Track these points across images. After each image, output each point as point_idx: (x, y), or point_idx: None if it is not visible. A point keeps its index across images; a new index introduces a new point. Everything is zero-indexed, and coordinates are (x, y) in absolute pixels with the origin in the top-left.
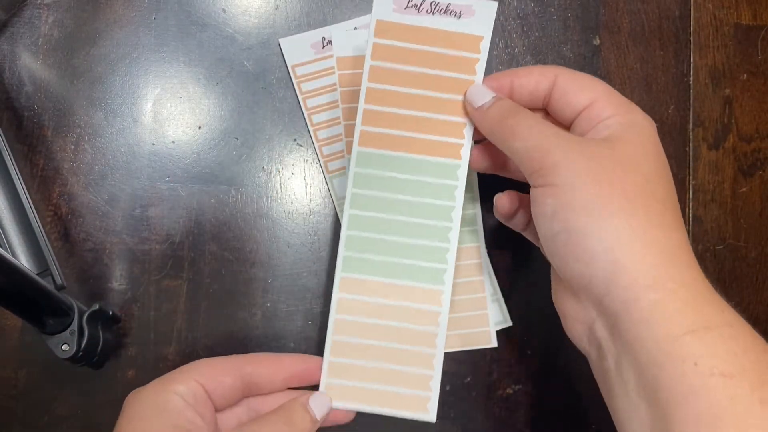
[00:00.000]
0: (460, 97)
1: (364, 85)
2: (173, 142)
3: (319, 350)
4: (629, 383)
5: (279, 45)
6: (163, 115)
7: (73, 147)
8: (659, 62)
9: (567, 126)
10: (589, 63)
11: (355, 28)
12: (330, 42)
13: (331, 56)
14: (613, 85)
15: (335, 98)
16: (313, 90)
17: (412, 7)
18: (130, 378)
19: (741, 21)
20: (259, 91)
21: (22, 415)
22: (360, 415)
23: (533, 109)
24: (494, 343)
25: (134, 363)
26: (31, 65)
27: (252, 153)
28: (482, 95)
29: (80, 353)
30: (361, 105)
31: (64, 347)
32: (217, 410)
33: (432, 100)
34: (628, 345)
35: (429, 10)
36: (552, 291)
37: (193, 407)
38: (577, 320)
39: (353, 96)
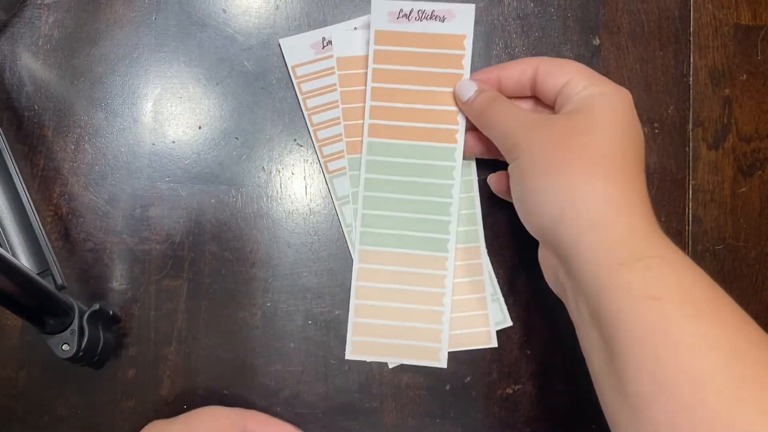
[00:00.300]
0: (451, 89)
1: (369, 84)
2: (173, 142)
3: (320, 349)
4: (584, 315)
5: (279, 45)
6: (163, 115)
7: (73, 147)
8: (659, 62)
9: (552, 107)
10: (588, 63)
11: (355, 29)
12: (330, 42)
13: (331, 56)
14: None
15: (335, 98)
16: (313, 90)
17: (403, 17)
18: (131, 378)
19: (741, 21)
20: (260, 91)
21: (22, 415)
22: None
23: (523, 97)
24: (494, 344)
25: (134, 363)
26: (31, 65)
27: (252, 153)
28: (467, 89)
29: (80, 353)
30: (368, 102)
31: (65, 347)
32: None
33: (428, 94)
34: (577, 281)
35: (417, 18)
36: (538, 251)
37: None
38: (549, 269)
39: (354, 96)
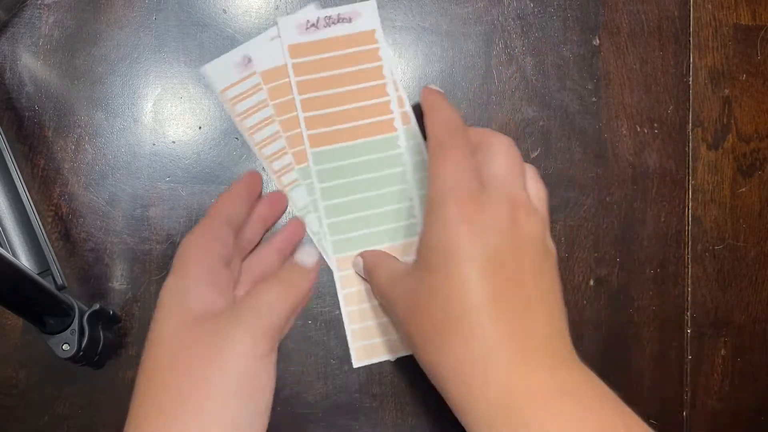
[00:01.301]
0: (377, 82)
1: (297, 98)
2: (174, 142)
3: (320, 349)
4: None
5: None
6: (163, 116)
7: (73, 147)
8: (658, 62)
9: None
10: (588, 63)
11: (272, 39)
12: (251, 59)
13: (255, 73)
14: (613, 86)
15: (270, 113)
16: (246, 110)
17: (311, 26)
18: (131, 378)
19: (740, 21)
20: None
21: (22, 415)
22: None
23: None
24: None
25: (135, 363)
26: (31, 66)
27: (252, 153)
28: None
29: (81, 353)
30: (301, 115)
31: (65, 347)
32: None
33: (355, 92)
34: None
35: (325, 24)
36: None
37: (213, 286)
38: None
39: (287, 106)
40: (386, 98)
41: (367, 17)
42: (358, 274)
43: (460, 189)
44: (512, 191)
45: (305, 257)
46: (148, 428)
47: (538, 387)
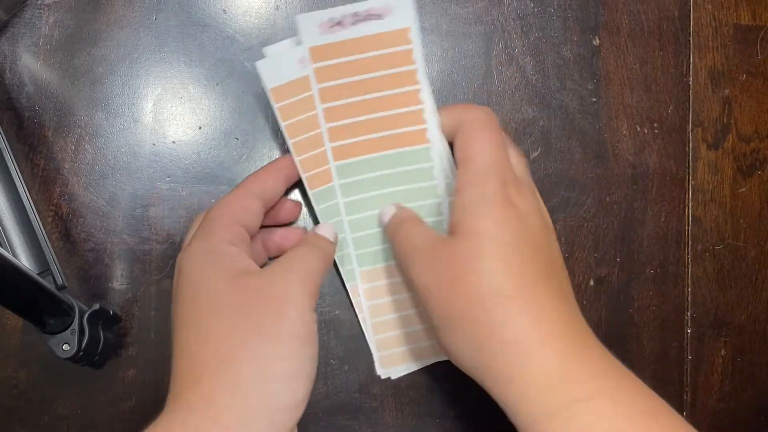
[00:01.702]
0: (410, 88)
1: (319, 107)
2: (174, 142)
3: (320, 349)
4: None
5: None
6: (163, 116)
7: (73, 147)
8: (658, 63)
9: None
10: (588, 63)
11: (279, 54)
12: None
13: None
14: (613, 86)
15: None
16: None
17: (336, 25)
18: (131, 378)
19: (740, 21)
20: (260, 91)
21: (22, 415)
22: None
23: None
24: None
25: (135, 363)
26: (32, 66)
27: (252, 153)
28: (386, 213)
29: (81, 353)
30: (323, 125)
31: (65, 347)
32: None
33: (385, 99)
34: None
35: (352, 22)
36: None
37: (244, 250)
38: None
39: (302, 126)
40: (419, 106)
41: (400, 13)
42: (379, 227)
43: (503, 170)
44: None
45: (325, 230)
46: (206, 375)
47: (596, 381)
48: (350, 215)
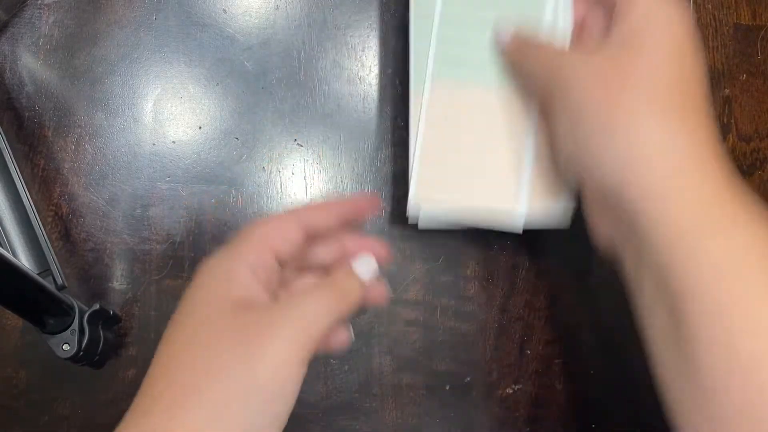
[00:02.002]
0: None
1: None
2: (174, 142)
3: None
4: (646, 287)
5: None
6: (163, 116)
7: (73, 147)
8: None
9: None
10: None
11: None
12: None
13: None
14: None
15: None
16: None
17: None
18: (131, 378)
19: (740, 21)
20: (260, 91)
21: (22, 415)
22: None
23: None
24: (567, 224)
25: (135, 363)
26: (31, 65)
27: (252, 153)
28: (503, 34)
29: (81, 353)
30: None
31: (65, 347)
32: (282, 267)
33: None
34: (645, 249)
35: None
36: (583, 207)
37: (259, 278)
38: (601, 234)
39: None
40: None
41: None
42: (499, 44)
43: None
44: None
45: (363, 268)
46: (158, 412)
47: (749, 209)
48: (445, 18)
